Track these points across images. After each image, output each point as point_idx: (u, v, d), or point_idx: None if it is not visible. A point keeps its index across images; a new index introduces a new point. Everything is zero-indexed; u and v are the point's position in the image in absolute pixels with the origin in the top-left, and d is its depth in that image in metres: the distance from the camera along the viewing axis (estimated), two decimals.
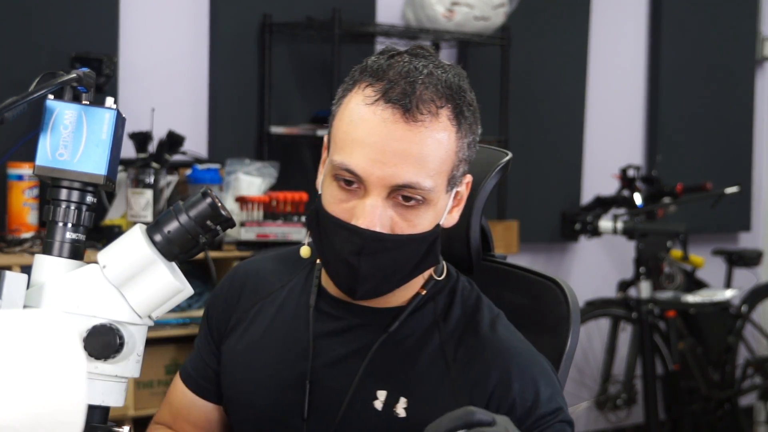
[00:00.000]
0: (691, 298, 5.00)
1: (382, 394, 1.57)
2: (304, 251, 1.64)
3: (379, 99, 1.49)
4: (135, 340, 1.30)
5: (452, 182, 1.55)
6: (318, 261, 1.64)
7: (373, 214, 1.49)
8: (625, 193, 5.15)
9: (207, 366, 1.72)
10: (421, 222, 1.53)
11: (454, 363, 1.58)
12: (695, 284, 5.27)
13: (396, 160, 1.48)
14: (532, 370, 1.57)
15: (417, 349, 1.59)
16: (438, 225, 1.56)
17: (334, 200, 1.53)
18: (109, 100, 1.33)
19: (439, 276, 1.64)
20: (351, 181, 1.51)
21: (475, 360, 1.57)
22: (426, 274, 1.62)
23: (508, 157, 1.79)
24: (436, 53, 1.58)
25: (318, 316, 1.63)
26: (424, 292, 1.62)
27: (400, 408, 1.56)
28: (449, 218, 1.60)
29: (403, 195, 1.50)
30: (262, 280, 1.71)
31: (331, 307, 1.63)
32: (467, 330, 1.60)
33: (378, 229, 1.49)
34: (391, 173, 1.48)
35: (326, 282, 1.64)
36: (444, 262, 1.67)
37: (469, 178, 1.60)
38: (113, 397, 1.31)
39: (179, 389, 1.75)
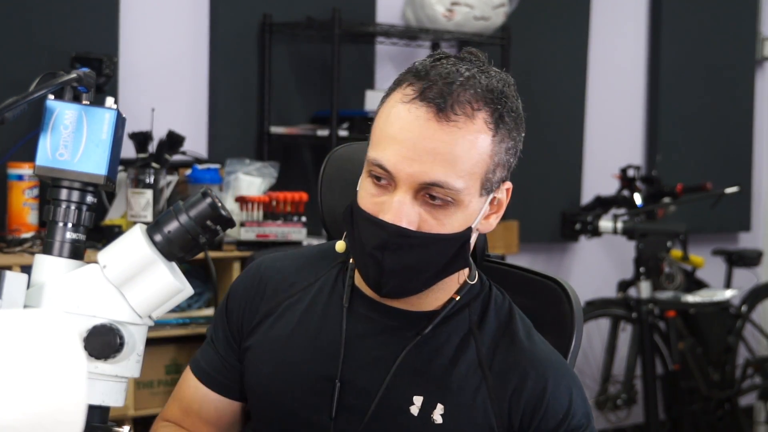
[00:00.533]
0: (691, 298, 5.00)
1: (418, 400, 1.58)
2: (340, 246, 1.66)
3: (416, 98, 1.52)
4: (135, 340, 1.30)
5: (487, 186, 1.56)
6: (351, 261, 1.66)
7: (399, 210, 1.51)
8: (625, 193, 5.15)
9: (223, 360, 1.72)
10: (450, 222, 1.54)
11: (491, 372, 1.60)
12: (695, 284, 5.27)
13: (426, 158, 1.50)
14: (568, 382, 1.61)
15: (453, 356, 1.60)
16: (470, 228, 1.56)
17: (366, 195, 1.56)
18: (109, 100, 1.33)
19: (473, 281, 1.66)
20: (382, 177, 1.53)
21: (512, 370, 1.60)
22: (459, 278, 1.64)
23: None
24: (486, 58, 1.60)
25: (350, 316, 1.64)
26: (458, 298, 1.63)
27: (437, 414, 1.58)
28: (485, 224, 1.61)
29: (432, 194, 1.52)
30: (288, 278, 1.72)
31: (365, 308, 1.64)
32: (503, 339, 1.62)
33: (404, 225, 1.51)
34: (421, 171, 1.50)
35: (359, 282, 1.65)
36: (476, 270, 1.68)
37: (508, 185, 1.61)
38: (113, 397, 1.31)
39: (191, 384, 1.74)
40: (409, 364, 1.60)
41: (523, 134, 1.60)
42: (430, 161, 1.50)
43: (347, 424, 1.60)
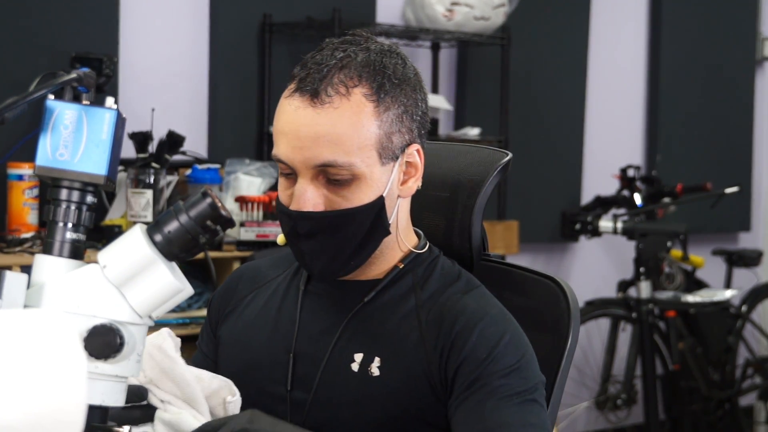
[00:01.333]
0: (691, 298, 5.00)
1: (358, 357, 1.65)
2: (280, 239, 1.73)
3: (294, 91, 1.62)
4: (135, 340, 1.30)
5: (387, 155, 1.62)
6: None
7: (301, 196, 1.61)
8: (625, 193, 5.15)
9: (206, 358, 1.81)
10: (356, 196, 1.62)
11: (426, 324, 1.65)
12: (695, 284, 5.27)
13: (311, 144, 1.59)
14: (503, 326, 1.62)
15: (392, 312, 1.67)
16: (381, 197, 1.63)
17: (281, 189, 1.66)
18: (110, 100, 1.33)
19: (422, 250, 1.72)
20: (286, 170, 1.63)
21: (445, 315, 1.64)
22: (402, 247, 1.70)
23: (508, 158, 1.80)
24: (370, 36, 1.68)
25: (306, 296, 1.73)
26: (401, 266, 1.70)
27: (374, 367, 1.64)
28: (405, 189, 1.68)
29: (329, 174, 1.60)
30: (259, 273, 1.83)
31: (320, 286, 1.73)
32: (442, 295, 1.67)
33: (309, 209, 1.61)
34: (310, 156, 1.59)
35: None
36: (427, 241, 1.74)
37: (415, 146, 1.66)
38: (113, 397, 1.30)
39: None
40: (353, 328, 1.67)
41: (420, 94, 1.66)
42: (316, 145, 1.59)
43: (302, 393, 1.67)
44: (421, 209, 1.78)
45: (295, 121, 1.60)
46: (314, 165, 1.60)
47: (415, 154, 1.67)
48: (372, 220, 1.64)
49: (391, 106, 1.62)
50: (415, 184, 1.69)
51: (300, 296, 1.73)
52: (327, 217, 1.62)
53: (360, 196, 1.62)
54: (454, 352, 1.61)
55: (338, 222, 1.62)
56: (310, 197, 1.61)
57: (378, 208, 1.64)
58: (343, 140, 1.59)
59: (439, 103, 4.53)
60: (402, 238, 1.70)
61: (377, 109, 1.61)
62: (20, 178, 3.58)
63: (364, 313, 1.68)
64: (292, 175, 1.63)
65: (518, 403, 1.57)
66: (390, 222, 1.66)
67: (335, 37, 1.68)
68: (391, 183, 1.65)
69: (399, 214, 1.69)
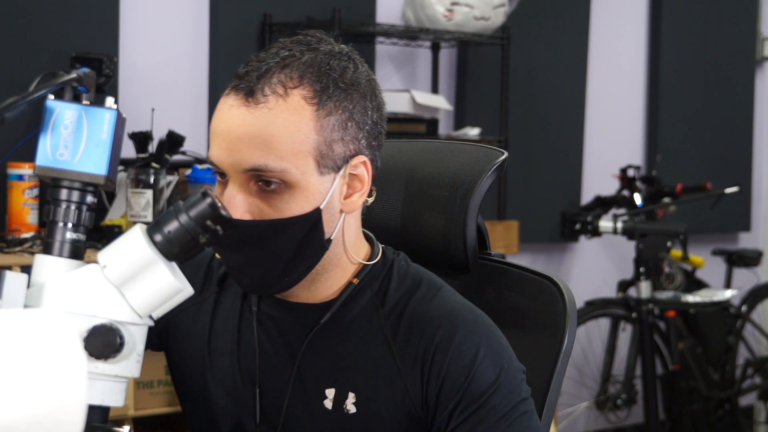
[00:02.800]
0: (691, 298, 5.00)
1: (330, 392, 1.56)
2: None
3: (232, 89, 1.51)
4: (135, 340, 1.30)
5: (326, 164, 1.50)
6: None
7: (229, 203, 1.48)
8: (625, 193, 5.15)
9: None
10: (287, 207, 1.49)
11: (396, 345, 1.55)
12: (695, 284, 5.27)
13: (241, 145, 1.47)
14: (475, 339, 1.53)
15: (359, 340, 1.56)
16: (318, 210, 1.50)
17: (217, 195, 1.52)
18: (109, 100, 1.33)
19: (373, 261, 1.60)
20: (219, 174, 1.52)
21: (415, 338, 1.54)
22: (352, 260, 1.58)
23: (503, 156, 1.78)
24: (325, 38, 1.56)
25: (260, 316, 1.61)
26: (356, 281, 1.58)
27: (350, 404, 1.55)
28: (348, 204, 1.55)
29: (261, 180, 1.48)
30: (218, 271, 1.69)
31: (270, 306, 1.60)
32: (406, 308, 1.57)
33: (237, 217, 1.47)
34: (240, 158, 1.47)
35: None
36: (380, 246, 1.63)
37: (361, 158, 1.54)
38: (113, 397, 1.31)
39: None
40: (315, 357, 1.57)
41: (371, 102, 1.54)
42: (246, 147, 1.47)
43: (270, 428, 1.58)
44: (420, 209, 1.77)
45: (228, 120, 1.49)
46: (244, 169, 1.47)
47: (361, 166, 1.54)
48: (305, 234, 1.50)
49: (334, 111, 1.50)
50: (360, 199, 1.55)
51: (254, 319, 1.61)
52: (255, 228, 1.48)
53: (293, 207, 1.48)
54: (433, 374, 1.52)
55: (267, 233, 1.48)
56: (238, 204, 1.48)
57: (313, 221, 1.50)
58: (276, 144, 1.46)
59: (439, 103, 4.53)
60: (351, 254, 1.58)
61: (317, 114, 1.49)
62: (20, 178, 3.58)
63: (325, 337, 1.57)
64: (224, 178, 1.51)
65: (507, 427, 1.50)
66: (332, 237, 1.53)
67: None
68: (331, 195, 1.51)
69: (345, 230, 1.56)
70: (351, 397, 1.55)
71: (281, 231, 1.49)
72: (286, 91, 1.48)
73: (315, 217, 1.50)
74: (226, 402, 1.61)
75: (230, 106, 1.50)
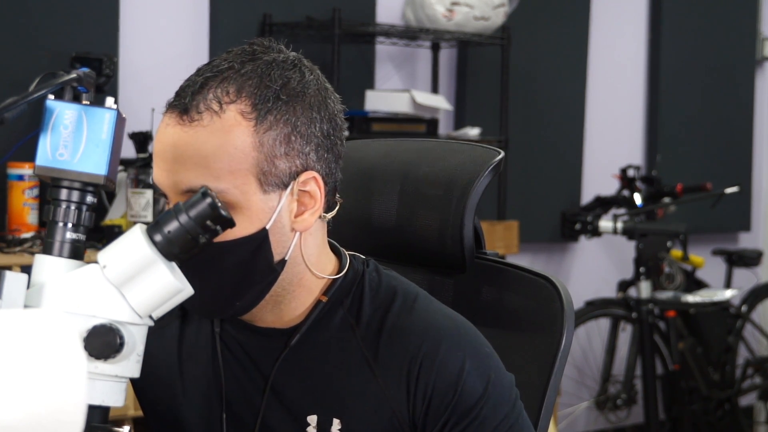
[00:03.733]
0: (691, 298, 5.00)
1: (313, 419, 1.49)
2: None
3: (169, 106, 1.45)
4: (135, 340, 1.30)
5: (270, 181, 1.42)
6: None
7: None
8: (625, 193, 5.15)
9: None
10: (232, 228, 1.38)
11: (377, 364, 1.48)
12: (695, 284, 5.27)
13: (177, 166, 1.41)
14: (459, 352, 1.47)
15: (336, 360, 1.50)
16: (264, 230, 1.42)
17: None
18: (109, 100, 1.33)
19: (340, 274, 1.52)
20: (164, 196, 1.46)
21: (397, 357, 1.48)
22: (317, 275, 1.50)
23: (500, 156, 1.76)
24: (273, 46, 1.48)
25: (224, 338, 1.55)
26: (325, 299, 1.50)
27: (335, 430, 1.49)
28: (300, 222, 1.46)
29: None
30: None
31: (235, 328, 1.54)
32: (383, 324, 1.49)
33: None
34: (177, 179, 1.41)
35: None
36: (349, 258, 1.55)
37: (310, 174, 1.45)
38: (113, 397, 1.30)
39: None
40: (293, 381, 1.50)
41: (320, 113, 1.46)
42: (183, 167, 1.40)
43: None
44: (416, 208, 1.76)
45: (164, 140, 1.42)
46: (182, 190, 1.40)
47: (311, 182, 1.45)
48: (251, 256, 1.42)
49: (274, 125, 1.42)
50: (313, 216, 1.46)
51: (217, 342, 1.54)
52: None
53: (235, 229, 1.37)
54: (419, 392, 1.46)
55: (209, 257, 1.39)
56: None
57: (258, 242, 1.41)
58: (212, 163, 1.38)
59: (439, 103, 4.53)
60: (316, 271, 1.49)
61: (255, 129, 1.40)
62: (20, 178, 3.58)
63: (299, 360, 1.50)
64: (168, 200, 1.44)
65: None
66: (286, 258, 1.45)
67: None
68: (278, 214, 1.43)
69: (304, 248, 1.47)
70: (336, 424, 1.49)
71: (224, 254, 1.41)
72: (221, 107, 1.41)
73: (260, 238, 1.42)
74: (201, 428, 1.56)
75: (166, 125, 1.43)
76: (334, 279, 1.52)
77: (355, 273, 1.54)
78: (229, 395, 1.53)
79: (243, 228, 1.41)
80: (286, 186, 1.43)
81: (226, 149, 1.40)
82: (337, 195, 1.53)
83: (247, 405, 1.53)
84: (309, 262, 1.49)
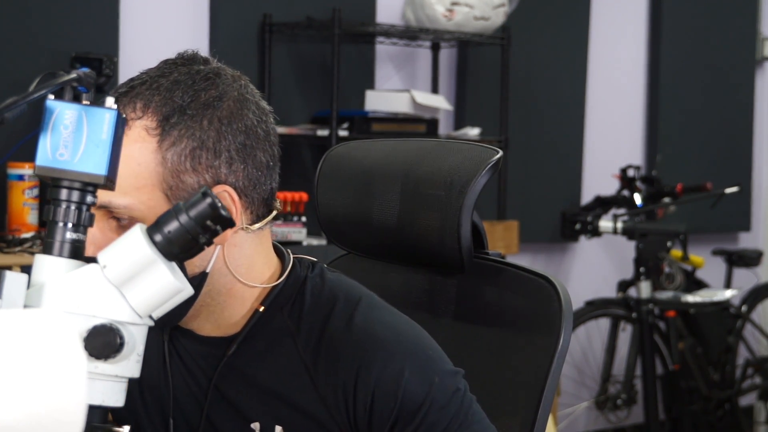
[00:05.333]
0: (691, 298, 5.00)
1: (256, 426, 1.50)
2: None
3: None
4: (135, 340, 1.30)
5: (178, 196, 1.44)
6: None
7: (90, 241, 1.38)
8: (625, 193, 5.15)
9: None
10: None
11: (316, 373, 1.49)
12: (695, 284, 5.27)
13: None
14: (397, 362, 1.46)
15: (277, 368, 1.50)
16: None
17: None
18: (110, 100, 1.33)
19: (277, 281, 1.52)
20: None
21: (336, 366, 1.48)
22: (255, 287, 1.51)
23: (498, 155, 1.76)
24: (199, 55, 1.51)
25: (173, 346, 1.57)
26: (262, 308, 1.51)
27: None
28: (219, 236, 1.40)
29: (113, 216, 1.44)
30: None
31: (184, 339, 1.55)
32: (323, 332, 1.49)
33: (89, 254, 1.35)
34: None
35: None
36: (293, 263, 1.54)
37: (223, 188, 1.46)
38: (113, 397, 1.30)
39: None
40: (234, 390, 1.51)
41: (233, 125, 1.46)
42: None
43: None
44: (416, 208, 1.76)
45: None
46: (97, 205, 1.37)
47: (225, 195, 1.46)
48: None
49: (178, 141, 1.44)
50: (229, 230, 1.41)
51: (165, 349, 1.56)
52: None
53: None
54: (359, 403, 1.46)
55: None
56: (90, 241, 1.37)
57: None
58: (118, 179, 1.34)
59: (439, 103, 4.53)
60: (247, 280, 1.50)
61: (160, 145, 1.43)
62: (20, 178, 3.58)
63: (239, 369, 1.51)
64: None
65: None
66: (207, 271, 1.46)
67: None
68: None
69: (229, 259, 1.48)
70: (278, 430, 1.49)
71: None
72: (128, 123, 1.42)
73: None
74: (153, 428, 1.58)
75: None
76: (273, 286, 1.52)
77: (296, 279, 1.53)
78: (180, 400, 1.55)
79: None
80: None
81: (130, 165, 1.42)
82: (277, 202, 1.53)
83: (197, 410, 1.54)
84: (237, 273, 1.49)
